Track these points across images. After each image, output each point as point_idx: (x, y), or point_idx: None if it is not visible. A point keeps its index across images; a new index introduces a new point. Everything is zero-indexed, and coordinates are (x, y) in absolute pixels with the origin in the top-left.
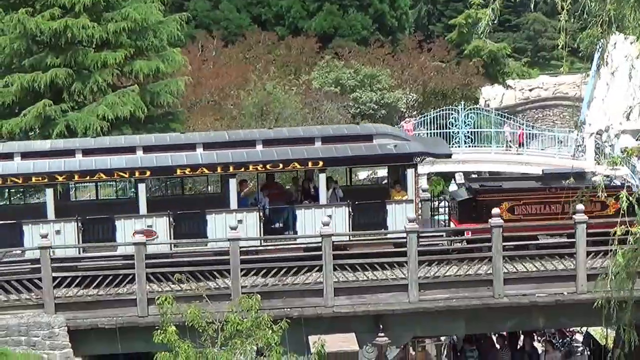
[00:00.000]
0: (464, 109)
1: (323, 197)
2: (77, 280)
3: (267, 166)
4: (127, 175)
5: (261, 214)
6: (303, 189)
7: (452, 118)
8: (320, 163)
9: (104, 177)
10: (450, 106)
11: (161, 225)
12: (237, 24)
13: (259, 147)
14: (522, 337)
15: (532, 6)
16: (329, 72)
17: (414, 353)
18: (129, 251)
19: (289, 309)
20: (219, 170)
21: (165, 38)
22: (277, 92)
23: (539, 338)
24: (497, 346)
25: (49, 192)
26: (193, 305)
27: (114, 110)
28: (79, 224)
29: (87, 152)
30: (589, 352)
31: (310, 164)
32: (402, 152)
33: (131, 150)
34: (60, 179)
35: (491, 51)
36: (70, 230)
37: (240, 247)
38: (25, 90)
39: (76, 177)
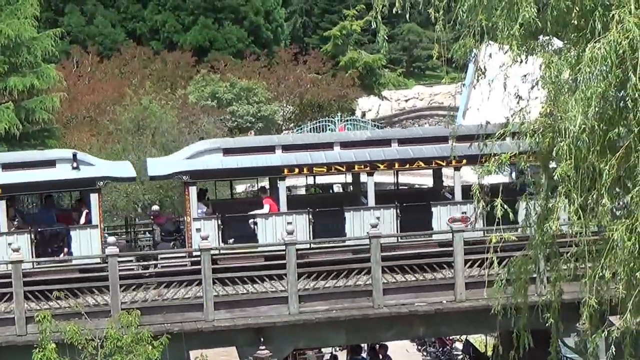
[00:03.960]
0: (341, 121)
1: None
2: None
3: None
4: (444, 164)
5: None
6: None
7: (329, 129)
8: None
9: (423, 165)
10: (327, 117)
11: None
12: (112, 39)
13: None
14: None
15: (407, 16)
16: (205, 86)
17: None
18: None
19: (169, 324)
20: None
21: (39, 54)
22: (153, 107)
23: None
24: (380, 356)
25: (370, 179)
26: (72, 322)
27: None
28: (398, 211)
29: (402, 141)
30: None
31: None
32: None
33: (444, 139)
34: (381, 167)
35: (367, 62)
36: (388, 217)
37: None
38: None
39: (396, 165)
